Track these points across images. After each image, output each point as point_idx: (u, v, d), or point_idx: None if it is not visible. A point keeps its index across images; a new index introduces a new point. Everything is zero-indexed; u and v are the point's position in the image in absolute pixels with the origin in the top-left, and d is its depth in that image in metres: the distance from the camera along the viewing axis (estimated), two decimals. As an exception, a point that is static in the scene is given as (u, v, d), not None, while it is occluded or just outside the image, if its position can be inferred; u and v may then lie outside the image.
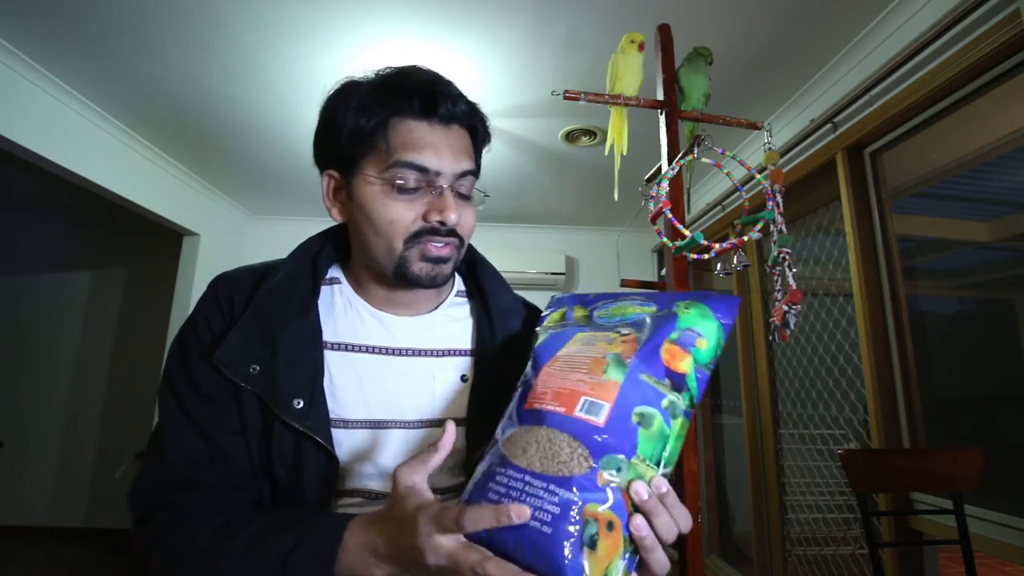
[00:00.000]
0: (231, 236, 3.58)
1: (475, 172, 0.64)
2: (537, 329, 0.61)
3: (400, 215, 0.59)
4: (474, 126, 0.65)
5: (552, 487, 0.42)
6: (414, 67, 0.63)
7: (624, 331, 0.53)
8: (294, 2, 1.67)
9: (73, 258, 3.97)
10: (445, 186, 0.60)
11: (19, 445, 3.64)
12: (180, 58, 1.96)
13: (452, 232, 0.61)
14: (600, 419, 0.46)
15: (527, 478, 0.43)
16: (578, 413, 0.46)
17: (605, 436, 0.45)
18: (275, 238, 3.78)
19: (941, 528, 1.48)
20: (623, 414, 0.46)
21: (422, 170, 0.59)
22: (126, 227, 3.76)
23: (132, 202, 2.67)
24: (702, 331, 0.51)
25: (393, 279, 0.63)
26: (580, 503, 0.42)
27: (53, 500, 3.63)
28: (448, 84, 0.62)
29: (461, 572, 0.42)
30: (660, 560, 0.43)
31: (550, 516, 0.41)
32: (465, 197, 0.63)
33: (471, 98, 0.65)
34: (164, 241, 3.48)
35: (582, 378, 0.49)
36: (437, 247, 0.61)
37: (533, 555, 0.41)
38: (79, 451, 3.67)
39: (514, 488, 0.43)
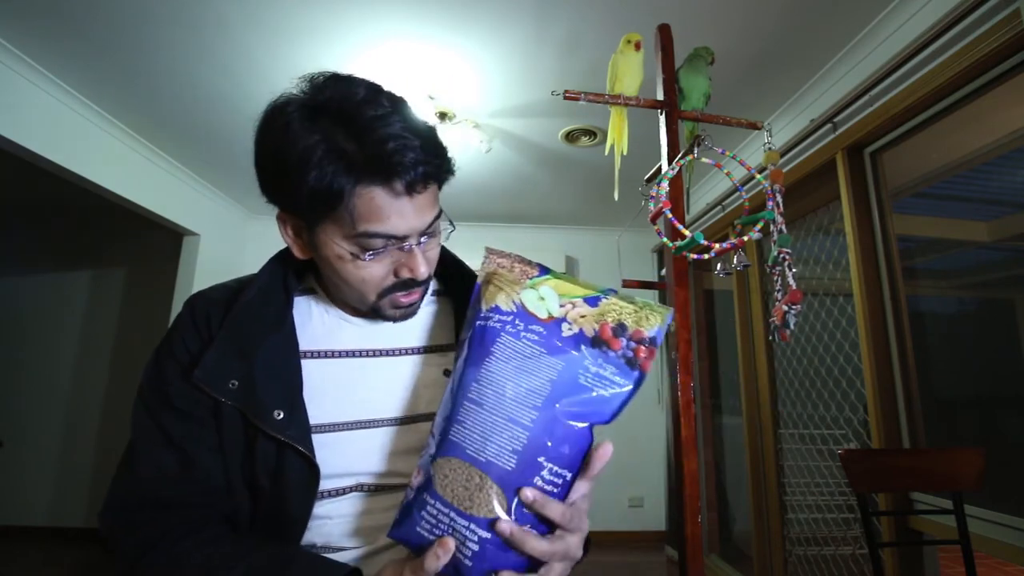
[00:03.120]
0: (231, 236, 3.58)
1: (439, 215, 0.62)
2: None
3: (371, 274, 0.59)
4: (438, 177, 0.60)
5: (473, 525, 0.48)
6: (365, 102, 0.55)
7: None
8: (294, 2, 1.68)
9: (73, 258, 3.97)
10: (413, 244, 0.59)
11: (19, 445, 3.63)
12: (180, 58, 1.97)
13: (422, 281, 0.62)
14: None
15: (452, 513, 0.49)
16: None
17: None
18: (275, 238, 3.67)
19: (941, 528, 1.48)
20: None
21: (390, 238, 0.57)
22: (126, 227, 3.76)
23: (132, 202, 2.67)
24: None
25: (366, 315, 0.67)
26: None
27: (53, 500, 3.63)
28: (411, 140, 0.54)
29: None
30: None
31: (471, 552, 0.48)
32: (430, 237, 0.62)
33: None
34: (164, 241, 3.48)
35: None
36: (407, 297, 0.63)
37: None
38: (79, 451, 3.67)
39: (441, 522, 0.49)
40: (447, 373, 0.68)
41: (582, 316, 0.53)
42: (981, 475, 1.29)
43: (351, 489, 0.61)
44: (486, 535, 0.48)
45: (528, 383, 0.51)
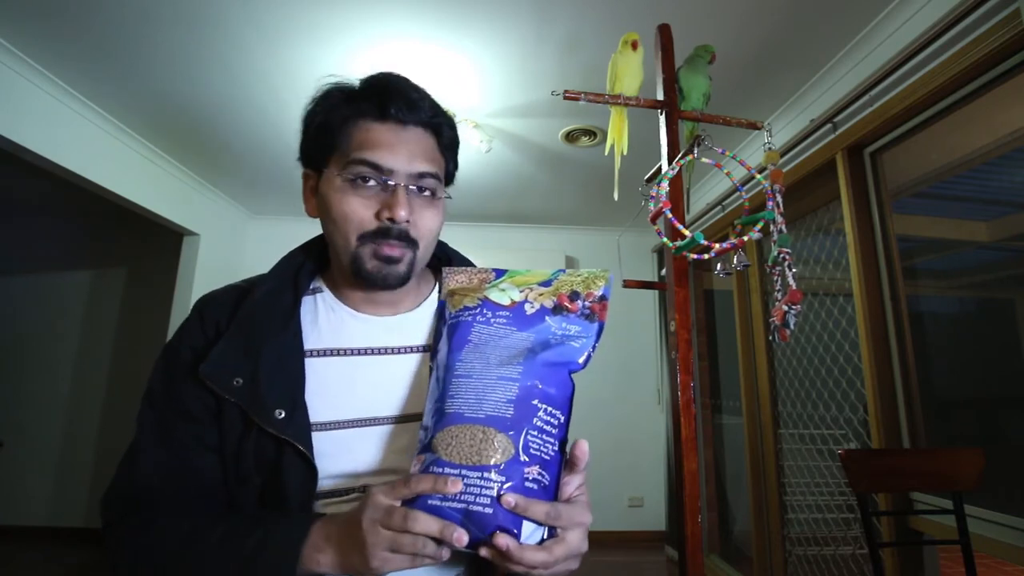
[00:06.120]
0: (231, 236, 3.58)
1: (436, 175, 0.65)
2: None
3: (354, 210, 0.62)
4: (438, 129, 0.67)
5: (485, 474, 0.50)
6: (386, 72, 0.66)
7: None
8: (294, 2, 1.68)
9: (73, 258, 3.97)
10: (398, 184, 0.62)
11: (19, 445, 3.63)
12: (180, 58, 1.97)
13: (404, 235, 0.63)
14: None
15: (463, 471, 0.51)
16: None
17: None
18: (275, 238, 3.78)
19: (941, 528, 1.48)
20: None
21: (376, 167, 0.62)
22: (126, 227, 3.76)
23: (132, 202, 2.67)
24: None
25: (352, 276, 0.66)
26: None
27: (53, 500, 3.63)
28: (406, 87, 0.64)
29: (392, 524, 0.48)
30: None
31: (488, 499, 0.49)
32: (427, 197, 0.65)
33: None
34: (164, 241, 3.48)
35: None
36: (388, 248, 0.63)
37: (482, 530, 0.49)
38: (79, 451, 3.67)
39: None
40: None
41: (540, 295, 0.62)
42: (981, 475, 1.29)
43: (350, 491, 0.62)
44: (501, 479, 0.49)
45: (508, 352, 0.57)
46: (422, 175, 0.64)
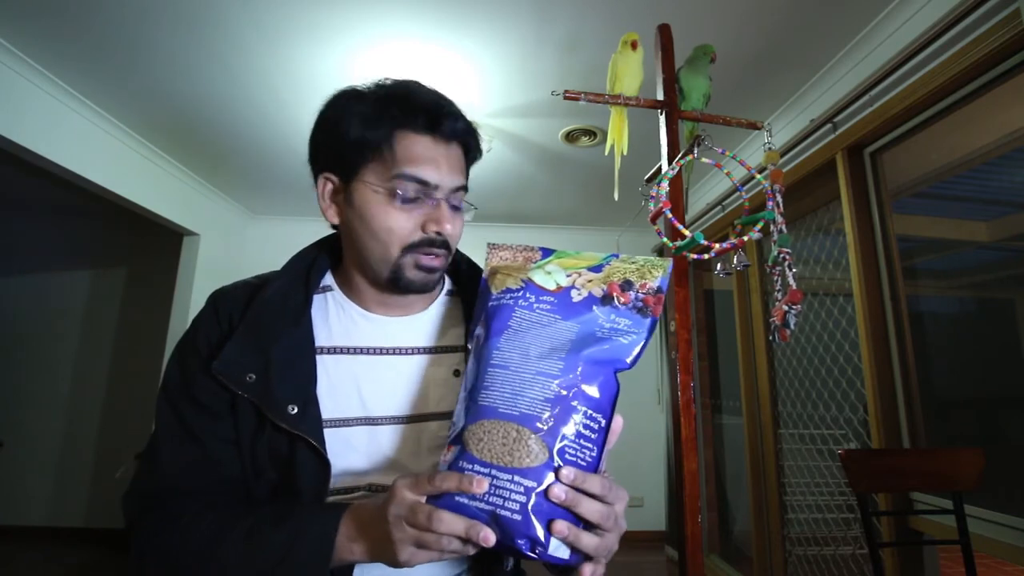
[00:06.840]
0: (231, 236, 3.58)
1: (466, 187, 0.68)
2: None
3: (399, 224, 0.62)
4: (468, 144, 0.69)
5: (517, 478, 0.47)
6: (418, 83, 0.67)
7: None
8: (294, 2, 1.67)
9: (73, 258, 3.96)
10: (442, 199, 0.64)
11: (19, 445, 3.63)
12: (180, 58, 1.97)
13: (445, 243, 0.65)
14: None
15: (493, 471, 0.48)
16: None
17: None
18: (275, 238, 3.78)
19: (941, 528, 1.48)
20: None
21: (423, 183, 0.62)
22: (126, 227, 3.76)
23: (132, 202, 2.67)
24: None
25: (386, 284, 0.66)
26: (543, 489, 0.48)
27: (53, 500, 3.62)
28: (451, 104, 0.66)
29: (417, 522, 0.47)
30: (590, 509, 0.48)
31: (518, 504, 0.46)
32: (456, 208, 0.67)
33: (470, 101, 0.66)
34: (164, 241, 3.48)
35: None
36: (429, 258, 0.64)
37: (509, 537, 0.46)
38: (79, 451, 3.66)
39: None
40: (457, 374, 0.69)
41: (589, 281, 0.57)
42: (981, 475, 1.29)
43: (357, 489, 0.62)
44: (532, 484, 0.47)
45: (550, 343, 0.53)
46: (457, 188, 0.66)
